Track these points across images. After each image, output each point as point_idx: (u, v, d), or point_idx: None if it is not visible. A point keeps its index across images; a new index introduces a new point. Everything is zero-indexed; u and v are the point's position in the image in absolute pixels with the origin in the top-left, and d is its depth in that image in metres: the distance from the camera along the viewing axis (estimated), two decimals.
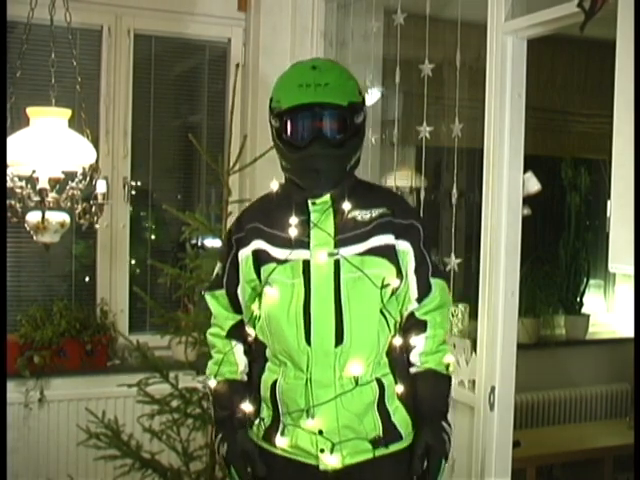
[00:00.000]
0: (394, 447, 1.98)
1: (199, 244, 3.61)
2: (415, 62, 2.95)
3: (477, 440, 2.64)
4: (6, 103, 2.94)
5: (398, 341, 2.00)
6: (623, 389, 4.71)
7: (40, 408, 3.45)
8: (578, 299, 4.89)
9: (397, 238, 1.98)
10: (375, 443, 1.95)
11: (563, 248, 4.87)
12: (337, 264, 1.92)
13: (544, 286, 4.77)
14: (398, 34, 3.06)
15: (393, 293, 1.98)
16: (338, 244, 1.93)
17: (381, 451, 1.96)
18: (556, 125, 4.78)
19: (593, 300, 5.08)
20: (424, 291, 2.02)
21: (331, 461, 1.92)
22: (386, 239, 1.96)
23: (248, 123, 3.77)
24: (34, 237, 2.86)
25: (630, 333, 4.68)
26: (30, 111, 2.83)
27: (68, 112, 2.89)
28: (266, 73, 3.72)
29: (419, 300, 2.01)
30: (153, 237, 3.99)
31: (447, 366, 2.03)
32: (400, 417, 1.99)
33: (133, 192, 3.81)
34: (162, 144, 3.93)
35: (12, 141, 2.72)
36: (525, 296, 4.21)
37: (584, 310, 4.92)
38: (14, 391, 3.33)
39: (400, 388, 1.99)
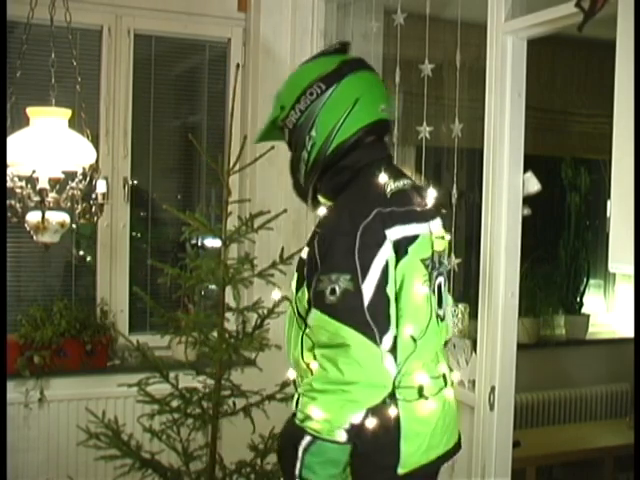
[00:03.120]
0: None
1: (199, 244, 3.61)
2: (415, 62, 2.95)
3: (477, 440, 2.64)
4: (6, 103, 2.95)
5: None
6: (623, 389, 4.71)
7: (40, 408, 3.45)
8: (578, 299, 4.90)
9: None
10: None
11: (563, 248, 4.87)
12: None
13: (544, 286, 4.77)
14: (398, 34, 3.06)
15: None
16: None
17: None
18: (556, 125, 4.77)
19: (593, 300, 5.08)
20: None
21: None
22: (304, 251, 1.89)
23: (248, 123, 3.77)
24: (34, 237, 2.86)
25: (630, 333, 4.69)
26: (30, 111, 2.83)
27: (68, 112, 2.89)
28: (266, 73, 3.72)
29: None
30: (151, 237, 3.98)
31: (304, 418, 1.72)
32: None
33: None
34: (162, 144, 3.92)
35: (12, 141, 2.72)
36: (525, 296, 4.20)
37: (584, 310, 4.92)
38: (14, 391, 3.33)
39: None
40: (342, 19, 3.61)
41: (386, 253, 1.75)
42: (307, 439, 1.71)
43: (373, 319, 1.70)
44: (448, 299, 2.10)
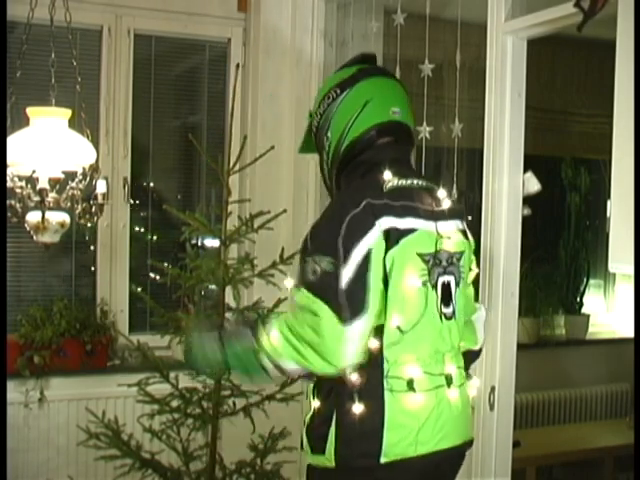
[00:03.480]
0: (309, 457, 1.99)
1: (199, 244, 3.61)
2: (415, 62, 2.94)
3: (477, 440, 2.63)
4: (6, 103, 2.94)
5: None
6: (623, 389, 4.72)
7: (40, 408, 3.45)
8: (578, 299, 4.90)
9: None
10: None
11: (563, 248, 4.87)
12: None
13: (544, 286, 4.78)
14: (398, 34, 3.06)
15: None
16: None
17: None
18: (556, 125, 4.78)
19: (593, 300, 5.08)
20: None
21: None
22: None
23: (248, 123, 3.77)
24: (34, 237, 2.86)
25: (630, 333, 4.69)
26: (30, 111, 2.83)
27: (68, 112, 2.89)
28: (266, 73, 3.72)
29: None
30: (153, 237, 3.98)
31: (265, 332, 1.92)
32: (308, 432, 1.97)
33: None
34: (162, 144, 3.93)
35: (12, 141, 2.71)
36: (525, 296, 4.20)
37: (584, 310, 4.92)
38: (14, 391, 3.33)
39: (316, 403, 1.97)
40: (342, 19, 3.61)
41: (370, 241, 1.83)
42: (252, 343, 1.92)
43: (348, 302, 1.80)
44: (473, 305, 2.17)
